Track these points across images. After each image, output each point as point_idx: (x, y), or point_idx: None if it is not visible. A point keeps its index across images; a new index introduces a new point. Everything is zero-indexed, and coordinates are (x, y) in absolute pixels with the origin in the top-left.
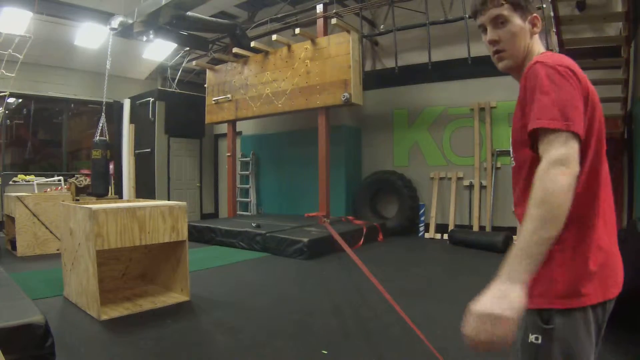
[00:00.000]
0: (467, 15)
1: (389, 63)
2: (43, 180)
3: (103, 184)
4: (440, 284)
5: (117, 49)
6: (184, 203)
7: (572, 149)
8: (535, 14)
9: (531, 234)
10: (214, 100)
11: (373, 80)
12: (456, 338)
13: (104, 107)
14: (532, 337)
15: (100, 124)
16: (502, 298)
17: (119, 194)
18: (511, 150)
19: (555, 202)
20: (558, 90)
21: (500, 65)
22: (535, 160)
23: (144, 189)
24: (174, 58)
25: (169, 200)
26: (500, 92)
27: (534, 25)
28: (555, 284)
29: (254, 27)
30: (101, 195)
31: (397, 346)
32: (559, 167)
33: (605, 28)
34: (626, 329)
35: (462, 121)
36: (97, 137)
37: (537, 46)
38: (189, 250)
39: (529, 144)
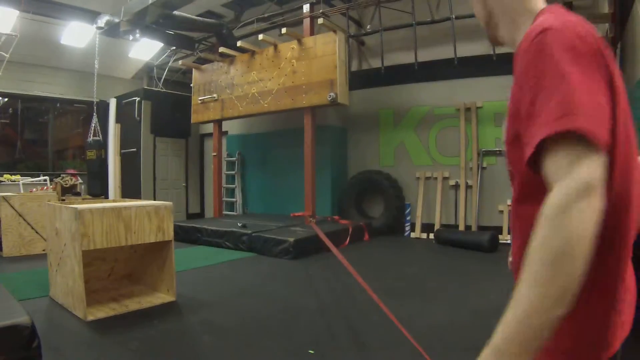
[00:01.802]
0: (453, 16)
1: (376, 63)
2: (29, 180)
3: (99, 183)
4: (426, 283)
5: (104, 48)
6: (170, 203)
7: (597, 168)
8: None
9: (537, 312)
10: (200, 100)
11: (359, 80)
12: (442, 336)
13: (95, 107)
14: None
15: (93, 124)
16: None
17: (104, 193)
18: (507, 165)
19: (579, 255)
20: (581, 76)
21: (490, 38)
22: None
23: (130, 189)
24: (160, 57)
25: (154, 200)
26: (486, 92)
27: None
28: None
29: (240, 27)
30: (98, 195)
31: (383, 345)
32: (583, 199)
33: None
34: None
35: (448, 121)
36: (91, 138)
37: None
38: (175, 250)
39: (532, 163)
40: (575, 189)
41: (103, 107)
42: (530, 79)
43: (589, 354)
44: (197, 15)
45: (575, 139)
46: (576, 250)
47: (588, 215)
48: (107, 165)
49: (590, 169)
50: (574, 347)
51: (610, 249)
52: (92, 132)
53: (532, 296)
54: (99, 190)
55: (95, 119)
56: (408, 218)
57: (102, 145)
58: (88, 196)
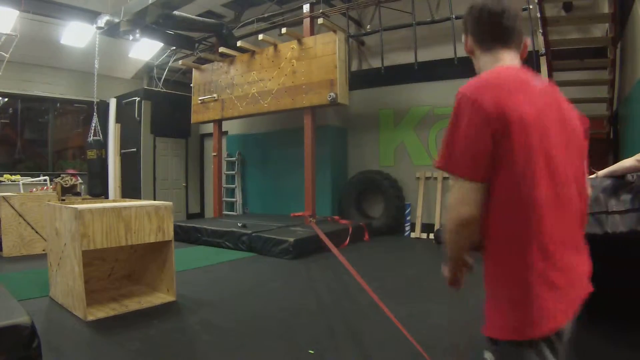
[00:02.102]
0: (453, 16)
1: (375, 63)
2: (29, 180)
3: (100, 183)
4: (426, 283)
5: (103, 48)
6: (170, 203)
7: (467, 190)
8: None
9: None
10: (200, 100)
11: (359, 80)
12: (442, 337)
13: (95, 107)
14: (486, 355)
15: (93, 124)
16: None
17: (104, 193)
18: None
19: (456, 230)
20: (456, 126)
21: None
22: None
23: (130, 189)
24: (160, 57)
25: (154, 200)
26: None
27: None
28: (495, 313)
29: (240, 27)
30: (98, 195)
31: (383, 345)
32: (460, 206)
33: (592, 29)
34: None
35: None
36: (91, 137)
37: (487, 65)
38: (175, 250)
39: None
40: (454, 199)
41: (103, 107)
42: (448, 123)
43: (520, 327)
44: (197, 15)
45: (452, 172)
46: (458, 233)
47: (463, 218)
48: (107, 165)
49: (460, 190)
50: (513, 315)
51: (524, 242)
52: (92, 131)
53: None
54: (99, 190)
55: (95, 119)
56: (408, 218)
57: (103, 145)
58: (88, 196)
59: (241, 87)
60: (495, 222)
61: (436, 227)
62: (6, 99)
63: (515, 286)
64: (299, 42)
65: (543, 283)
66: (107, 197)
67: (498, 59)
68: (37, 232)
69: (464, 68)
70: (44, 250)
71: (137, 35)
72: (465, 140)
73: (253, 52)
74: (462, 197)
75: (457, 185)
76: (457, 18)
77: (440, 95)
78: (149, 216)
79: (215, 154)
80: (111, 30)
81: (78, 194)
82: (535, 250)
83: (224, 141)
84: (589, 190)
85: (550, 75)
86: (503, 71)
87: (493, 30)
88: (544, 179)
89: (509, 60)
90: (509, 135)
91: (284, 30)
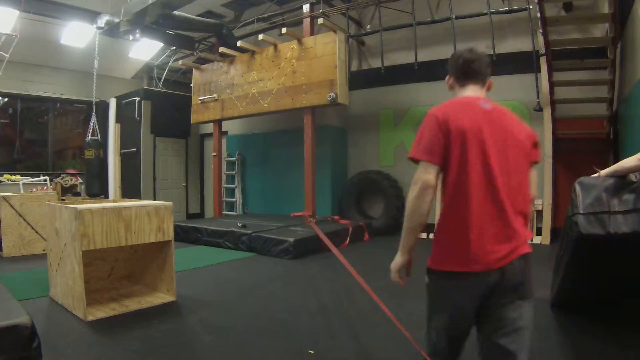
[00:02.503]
0: (453, 16)
1: (375, 63)
2: (29, 180)
3: (98, 183)
4: None
5: (103, 48)
6: (170, 203)
7: (424, 169)
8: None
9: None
10: (200, 100)
11: (359, 80)
12: None
13: (94, 107)
14: (426, 279)
15: (92, 124)
16: (394, 261)
17: (104, 193)
18: None
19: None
20: (422, 131)
21: None
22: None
23: (130, 189)
24: (160, 57)
25: (154, 200)
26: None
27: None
28: (433, 255)
29: (240, 27)
30: (96, 195)
31: (383, 345)
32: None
33: (592, 29)
34: None
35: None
36: (89, 137)
37: (457, 95)
38: (175, 250)
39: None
40: (418, 173)
41: (103, 107)
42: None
43: (447, 258)
44: (197, 15)
45: (417, 158)
46: (414, 204)
47: (420, 188)
48: (106, 165)
49: (423, 167)
50: (442, 254)
51: (456, 207)
52: (90, 131)
53: (404, 228)
54: (97, 190)
55: (94, 118)
56: None
57: (101, 145)
58: (86, 196)
59: (241, 87)
60: (446, 193)
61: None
62: (6, 99)
63: (449, 235)
64: (299, 42)
65: (465, 238)
66: (107, 197)
67: (465, 91)
68: (37, 232)
69: None
70: (44, 250)
71: (137, 35)
72: (426, 138)
73: (253, 52)
74: (425, 170)
75: (421, 165)
76: (457, 18)
77: (440, 95)
78: (149, 216)
79: (215, 154)
80: (111, 30)
81: (78, 194)
82: (465, 216)
83: (224, 141)
84: (533, 186)
85: (550, 76)
86: (459, 99)
87: (465, 72)
88: (475, 169)
89: (471, 92)
90: (450, 138)
91: (284, 30)
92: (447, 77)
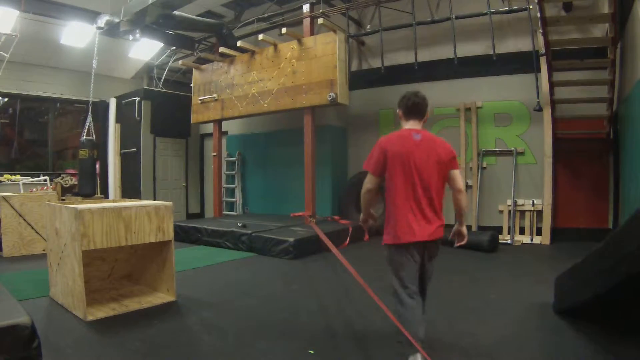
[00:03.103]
0: (453, 16)
1: (375, 63)
2: (29, 180)
3: (90, 183)
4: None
5: (103, 48)
6: (170, 203)
7: (371, 178)
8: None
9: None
10: (200, 100)
11: (359, 80)
12: (442, 336)
13: (90, 106)
14: (384, 252)
15: (87, 123)
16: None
17: (104, 193)
18: None
19: (364, 199)
20: (372, 152)
21: None
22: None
23: (130, 189)
24: (160, 57)
25: (154, 200)
26: (486, 92)
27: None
28: (385, 234)
29: (240, 27)
30: (88, 195)
31: (383, 345)
32: (366, 186)
33: (592, 29)
34: None
35: (448, 121)
36: (84, 137)
37: (402, 126)
38: (175, 250)
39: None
40: (366, 181)
41: (103, 107)
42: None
43: (394, 237)
44: (197, 15)
45: (367, 170)
46: (363, 197)
47: (366, 189)
48: (106, 165)
49: (369, 178)
50: (390, 234)
51: (392, 203)
52: (85, 131)
53: (361, 206)
54: (90, 190)
55: (89, 118)
56: None
57: (95, 145)
58: (79, 197)
59: (241, 87)
60: (387, 192)
61: None
62: (6, 99)
63: (390, 219)
64: (299, 42)
65: (397, 221)
66: (107, 197)
67: (407, 124)
68: (37, 232)
69: (463, 68)
70: (44, 250)
71: (137, 35)
72: (374, 158)
73: (253, 52)
74: (369, 180)
75: (368, 176)
76: (457, 18)
77: (440, 95)
78: (149, 216)
79: (215, 154)
80: (111, 30)
81: (78, 194)
82: (395, 206)
83: (224, 141)
84: (460, 184)
85: (550, 75)
86: (398, 133)
87: (411, 111)
88: (400, 177)
89: (411, 125)
90: (386, 158)
91: (284, 30)
92: (398, 110)
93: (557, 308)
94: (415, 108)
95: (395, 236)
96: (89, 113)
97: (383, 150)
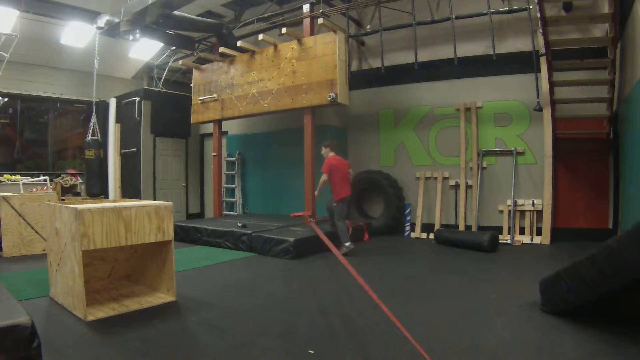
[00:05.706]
0: (453, 16)
1: (376, 63)
2: (29, 180)
3: (98, 183)
4: (426, 283)
5: (103, 48)
6: (170, 203)
7: (324, 175)
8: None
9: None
10: (200, 100)
11: (359, 80)
12: (442, 336)
13: (94, 107)
14: (332, 204)
15: (92, 124)
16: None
17: (104, 193)
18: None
19: (322, 183)
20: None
21: None
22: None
23: (130, 189)
24: (160, 57)
25: (154, 200)
26: (487, 92)
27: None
28: (334, 195)
29: (240, 27)
30: (97, 195)
31: (383, 345)
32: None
33: (592, 29)
34: None
35: (448, 121)
36: (90, 137)
37: (329, 155)
38: (175, 250)
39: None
40: (323, 177)
41: (103, 107)
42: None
43: (337, 195)
44: (197, 15)
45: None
46: (322, 183)
47: (323, 179)
48: (107, 165)
49: (323, 176)
50: (337, 195)
51: (334, 183)
52: (90, 131)
53: (318, 186)
54: (97, 190)
55: (94, 118)
56: (408, 218)
57: (101, 145)
58: (87, 196)
59: (241, 87)
60: (331, 183)
61: (436, 227)
62: (6, 99)
63: (335, 189)
64: (299, 42)
65: (339, 189)
66: (107, 197)
67: (331, 153)
68: (37, 232)
69: (463, 68)
70: (44, 250)
71: (137, 35)
72: (326, 166)
73: (253, 52)
74: (324, 177)
75: (323, 174)
76: (457, 18)
77: (440, 95)
78: (149, 216)
79: (215, 154)
80: (111, 30)
81: (78, 194)
82: (336, 185)
83: (224, 141)
84: (348, 175)
85: (550, 75)
86: (334, 156)
87: (334, 149)
88: (337, 174)
89: (334, 154)
90: (331, 168)
91: (284, 30)
92: (324, 148)
93: (544, 309)
94: (334, 148)
95: (338, 195)
96: (94, 113)
97: (331, 164)
